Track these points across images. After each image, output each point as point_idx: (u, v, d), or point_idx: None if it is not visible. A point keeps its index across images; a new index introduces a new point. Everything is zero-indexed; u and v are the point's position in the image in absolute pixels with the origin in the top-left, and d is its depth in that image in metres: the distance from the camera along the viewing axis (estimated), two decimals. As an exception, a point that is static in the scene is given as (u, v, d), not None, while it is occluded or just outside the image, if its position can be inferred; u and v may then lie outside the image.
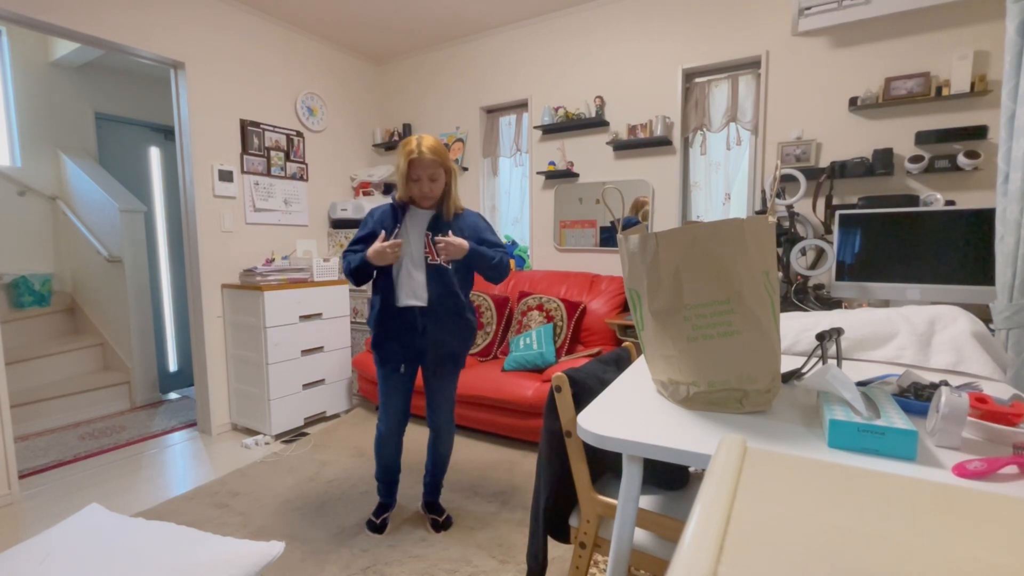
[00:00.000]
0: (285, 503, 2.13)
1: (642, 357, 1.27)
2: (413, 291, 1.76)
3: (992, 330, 1.65)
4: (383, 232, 1.72)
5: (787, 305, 2.18)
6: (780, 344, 0.95)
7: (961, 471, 0.68)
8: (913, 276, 2.04)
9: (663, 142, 2.87)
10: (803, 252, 2.25)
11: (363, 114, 3.91)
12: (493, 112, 3.59)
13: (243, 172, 3.07)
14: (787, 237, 2.30)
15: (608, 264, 3.14)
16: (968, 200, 2.19)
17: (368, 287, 3.44)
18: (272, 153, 3.22)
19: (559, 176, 3.22)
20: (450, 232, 1.73)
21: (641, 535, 1.12)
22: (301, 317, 2.94)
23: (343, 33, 3.45)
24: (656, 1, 2.86)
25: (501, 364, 2.80)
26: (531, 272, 3.26)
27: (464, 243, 1.69)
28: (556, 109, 3.16)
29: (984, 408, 0.79)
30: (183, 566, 0.99)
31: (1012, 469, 0.68)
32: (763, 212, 2.56)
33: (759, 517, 0.44)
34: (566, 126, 3.13)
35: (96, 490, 2.30)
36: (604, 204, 3.10)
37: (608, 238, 3.14)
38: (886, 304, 2.10)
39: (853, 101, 2.36)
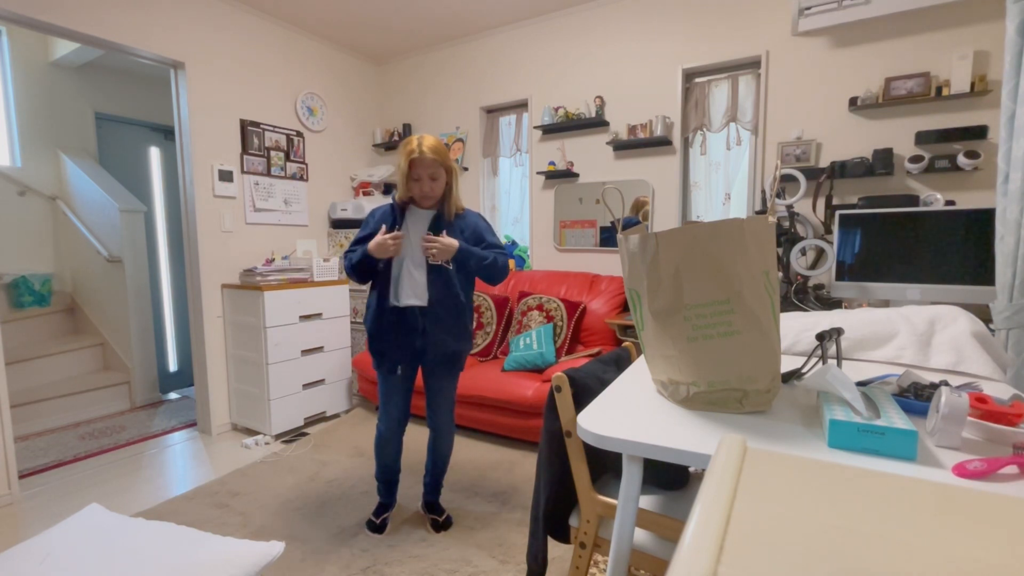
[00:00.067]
0: (285, 503, 2.13)
1: (642, 357, 1.27)
2: (414, 291, 1.76)
3: (992, 330, 1.65)
4: (384, 227, 1.72)
5: (787, 305, 2.18)
6: (780, 344, 0.95)
7: (961, 471, 0.68)
8: (913, 276, 2.04)
9: (663, 142, 2.87)
10: (803, 252, 2.25)
11: (363, 114, 3.91)
12: (493, 112, 3.59)
13: (243, 172, 3.07)
14: (787, 237, 2.30)
15: (608, 264, 3.14)
16: (968, 200, 2.19)
17: (367, 286, 3.44)
18: (272, 153, 3.22)
19: (559, 176, 3.22)
20: (444, 232, 1.73)
21: (641, 535, 1.12)
22: (301, 317, 2.94)
23: (343, 33, 3.45)
24: (656, 1, 2.86)
25: (501, 364, 2.80)
26: (531, 272, 3.26)
27: (453, 242, 1.69)
28: (556, 109, 3.16)
29: (984, 408, 0.79)
30: (183, 566, 0.99)
31: (1012, 469, 0.68)
32: (763, 212, 2.56)
33: (759, 517, 0.44)
34: (566, 126, 3.13)
35: (96, 490, 2.30)
36: (604, 204, 3.10)
37: (608, 238, 3.14)
38: (886, 304, 2.10)
39: (853, 101, 2.36)
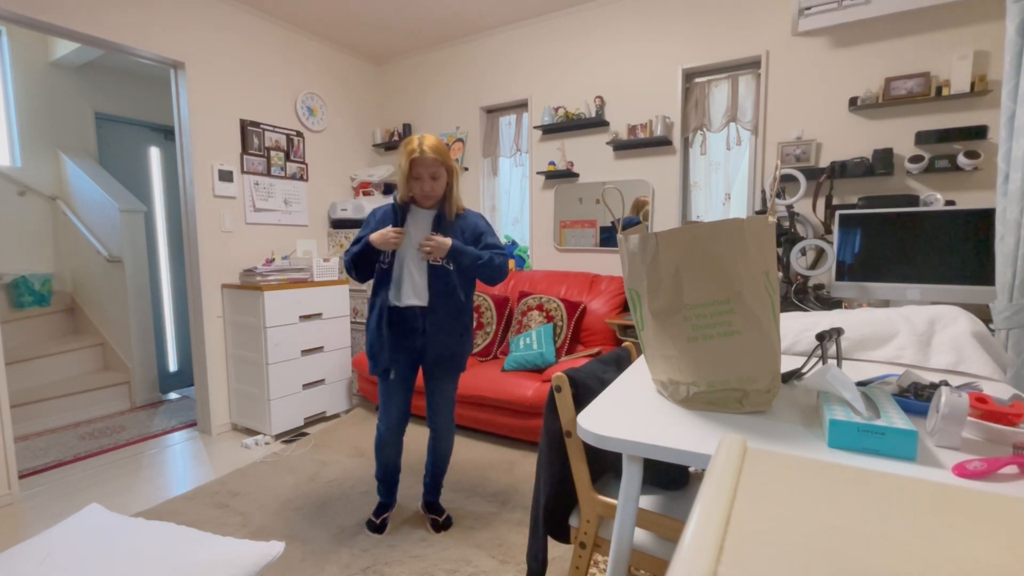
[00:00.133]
0: (285, 503, 2.13)
1: (642, 357, 1.27)
2: (414, 291, 1.76)
3: (992, 330, 1.65)
4: (389, 225, 1.73)
5: (787, 305, 2.18)
6: (780, 344, 0.95)
7: (961, 471, 0.68)
8: (913, 276, 2.04)
9: (663, 142, 2.87)
10: (803, 252, 2.25)
11: (363, 114, 3.91)
12: (493, 112, 3.59)
13: (243, 172, 3.07)
14: (787, 237, 2.30)
15: (608, 264, 3.14)
16: (968, 200, 2.19)
17: (368, 287, 3.45)
18: (272, 153, 3.22)
19: (559, 176, 3.22)
20: (443, 232, 1.73)
21: (641, 535, 1.12)
22: (301, 317, 2.94)
23: (343, 33, 3.45)
24: (656, 1, 2.86)
25: (501, 364, 2.80)
26: (531, 272, 3.26)
27: (446, 240, 1.69)
28: (556, 109, 3.16)
29: (984, 408, 0.79)
30: (183, 566, 0.99)
31: (1012, 469, 0.68)
32: (763, 212, 2.56)
33: (759, 517, 0.44)
34: (566, 126, 3.13)
35: (96, 490, 2.30)
36: (604, 204, 3.10)
37: (608, 238, 3.14)
38: (886, 304, 2.10)
39: (853, 101, 2.36)
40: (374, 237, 1.70)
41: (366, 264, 1.78)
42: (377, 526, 1.91)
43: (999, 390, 0.99)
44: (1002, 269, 1.64)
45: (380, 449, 1.90)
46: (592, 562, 1.43)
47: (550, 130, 3.22)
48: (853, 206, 2.28)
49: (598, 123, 3.04)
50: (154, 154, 3.92)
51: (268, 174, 3.20)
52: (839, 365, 1.11)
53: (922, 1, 2.11)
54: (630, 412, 0.94)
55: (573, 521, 1.21)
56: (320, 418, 3.14)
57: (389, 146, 3.93)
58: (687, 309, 0.89)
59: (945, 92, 2.16)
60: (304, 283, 2.99)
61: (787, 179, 2.38)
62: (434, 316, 1.76)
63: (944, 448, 0.76)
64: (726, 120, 2.76)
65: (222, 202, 2.97)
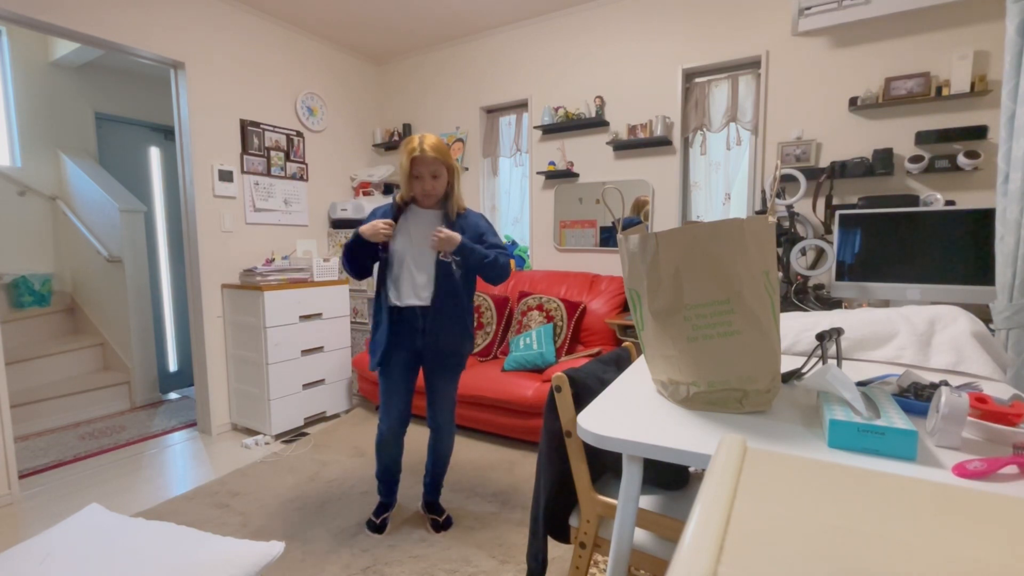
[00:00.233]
0: (285, 503, 2.13)
1: (642, 357, 1.27)
2: (414, 291, 1.76)
3: (992, 330, 1.65)
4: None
5: (787, 305, 2.18)
6: (780, 344, 0.95)
7: (961, 471, 0.68)
8: (913, 276, 2.04)
9: (663, 142, 2.87)
10: (803, 252, 2.25)
11: (363, 114, 3.91)
12: (493, 112, 3.59)
13: (243, 172, 3.07)
14: (787, 237, 2.30)
15: (608, 264, 3.14)
16: (968, 200, 2.19)
17: (368, 286, 3.45)
18: (272, 153, 3.22)
19: (559, 176, 3.22)
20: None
21: (641, 535, 1.12)
22: (301, 317, 2.94)
23: (343, 33, 3.45)
24: (656, 1, 2.86)
25: (501, 364, 2.80)
26: (531, 272, 3.26)
27: (456, 235, 1.69)
28: (556, 109, 3.16)
29: (984, 408, 0.79)
30: (183, 566, 0.99)
31: (1012, 469, 0.68)
32: (763, 212, 2.56)
33: (759, 517, 0.44)
34: (566, 126, 3.13)
35: (96, 490, 2.30)
36: (604, 204, 3.10)
37: (608, 238, 3.14)
38: (886, 304, 2.10)
39: (853, 101, 2.36)
40: (364, 228, 1.71)
41: (358, 258, 1.78)
42: (377, 526, 1.91)
43: (999, 390, 0.99)
44: (1002, 269, 1.64)
45: (381, 449, 1.90)
46: (592, 562, 1.43)
47: (550, 130, 3.22)
48: (853, 206, 2.28)
49: (598, 123, 3.04)
50: (154, 154, 3.92)
51: (268, 174, 3.20)
52: (839, 365, 1.11)
53: (922, 1, 2.11)
54: (630, 412, 0.94)
55: (573, 521, 1.21)
56: (320, 418, 3.14)
57: (389, 146, 3.93)
58: (687, 309, 0.89)
59: (945, 92, 2.16)
60: (304, 283, 2.99)
61: (787, 179, 2.38)
62: (437, 316, 1.76)
63: (944, 448, 0.76)
64: (726, 120, 2.76)
65: (222, 202, 2.97)
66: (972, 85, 2.11)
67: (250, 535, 1.89)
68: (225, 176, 2.96)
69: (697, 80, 2.84)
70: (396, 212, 1.78)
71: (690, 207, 2.98)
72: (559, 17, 3.17)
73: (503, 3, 3.06)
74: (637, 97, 2.96)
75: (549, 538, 1.22)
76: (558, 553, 1.73)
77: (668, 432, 0.84)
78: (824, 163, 2.47)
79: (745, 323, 0.86)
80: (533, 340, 2.73)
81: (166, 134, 3.94)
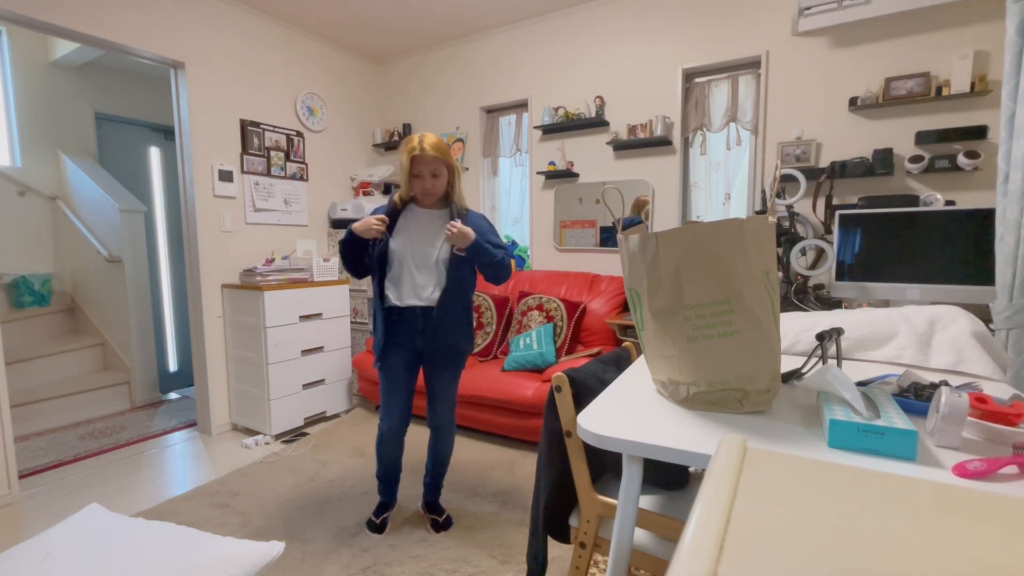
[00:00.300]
0: (285, 503, 2.13)
1: (642, 357, 1.27)
2: (415, 291, 1.76)
3: (992, 330, 1.65)
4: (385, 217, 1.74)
5: (787, 305, 2.18)
6: (780, 344, 0.95)
7: (961, 471, 0.68)
8: (913, 276, 2.04)
9: (663, 142, 2.86)
10: (803, 252, 2.25)
11: (363, 114, 3.91)
12: (493, 112, 3.59)
13: (243, 172, 3.07)
14: (787, 237, 2.30)
15: (608, 264, 3.14)
16: (968, 200, 2.19)
17: (367, 286, 3.45)
18: (272, 153, 3.22)
19: (559, 176, 3.22)
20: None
21: (641, 535, 1.12)
22: (301, 317, 2.94)
23: (343, 33, 3.45)
24: (656, 1, 2.86)
25: (501, 364, 2.80)
26: (531, 272, 3.26)
27: (470, 231, 1.69)
28: (556, 109, 3.16)
29: (984, 408, 0.79)
30: (183, 566, 0.99)
31: (1012, 469, 0.68)
32: (763, 212, 2.56)
33: (759, 517, 0.44)
34: (566, 126, 3.13)
35: (96, 490, 2.30)
36: (604, 204, 3.10)
37: (608, 238, 3.14)
38: (886, 304, 2.10)
39: (853, 101, 2.36)
40: (356, 224, 1.71)
41: (353, 255, 1.78)
42: (377, 526, 1.91)
43: (999, 390, 0.99)
44: (1002, 269, 1.64)
45: (381, 448, 1.90)
46: (592, 562, 1.43)
47: (550, 130, 3.22)
48: (853, 206, 2.28)
49: (598, 123, 3.04)
50: (154, 154, 3.92)
51: (268, 174, 3.20)
52: (839, 365, 1.11)
53: (922, 1, 2.11)
54: (630, 412, 0.94)
55: (573, 521, 1.21)
56: (320, 418, 3.14)
57: (389, 146, 3.93)
58: (687, 309, 0.89)
59: (945, 92, 2.16)
60: (304, 283, 2.99)
61: (787, 179, 2.38)
62: (435, 316, 1.76)
63: (944, 448, 0.76)
64: (726, 120, 2.76)
65: (222, 202, 2.97)
66: (972, 85, 2.11)
67: (250, 535, 1.89)
68: (225, 176, 2.96)
69: (697, 80, 2.84)
70: (392, 210, 1.78)
71: (690, 207, 2.98)
72: (559, 17, 3.17)
73: (503, 3, 3.06)
74: (637, 97, 2.96)
75: (549, 538, 1.22)
76: (558, 553, 1.73)
77: (668, 432, 0.84)
78: (824, 163, 2.47)
79: (745, 323, 0.86)
80: (533, 340, 2.73)
81: (166, 134, 3.94)
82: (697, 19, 2.76)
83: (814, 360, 1.10)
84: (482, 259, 1.73)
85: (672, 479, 1.23)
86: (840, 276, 2.17)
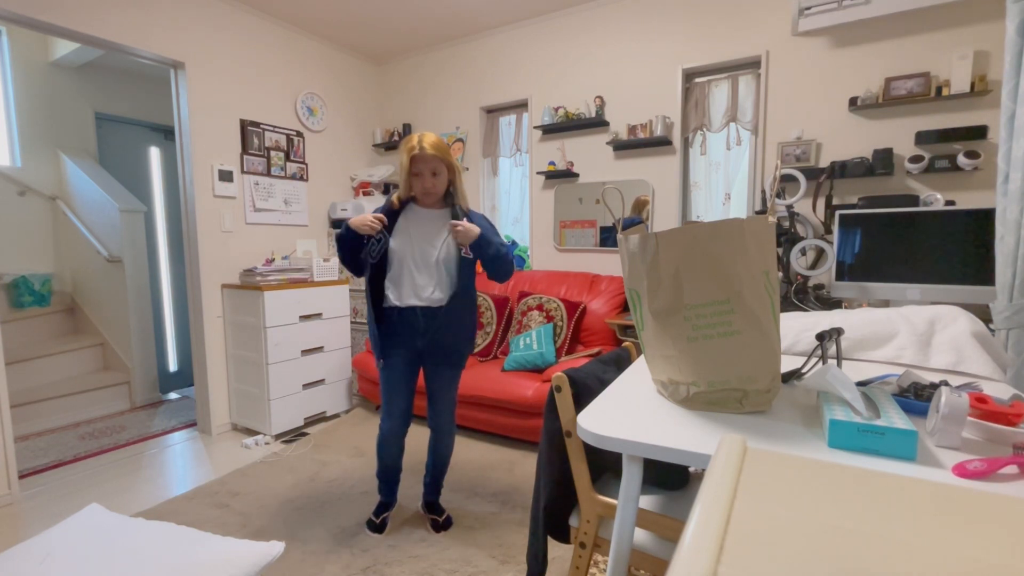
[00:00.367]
0: (285, 503, 2.13)
1: (642, 357, 1.27)
2: (415, 291, 1.76)
3: (992, 330, 1.65)
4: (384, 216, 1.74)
5: (787, 305, 2.18)
6: (780, 344, 0.95)
7: (961, 471, 0.68)
8: (913, 276, 2.04)
9: (663, 142, 2.86)
10: (803, 252, 2.25)
11: (363, 114, 3.91)
12: (493, 112, 3.59)
13: (243, 172, 3.07)
14: (787, 237, 2.30)
15: (608, 264, 3.14)
16: (968, 200, 2.19)
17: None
18: (272, 153, 3.22)
19: (559, 176, 3.22)
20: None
21: (641, 535, 1.12)
22: (301, 317, 2.94)
23: (343, 33, 3.45)
24: (656, 1, 2.86)
25: (501, 364, 2.80)
26: (531, 272, 3.26)
27: (475, 227, 1.69)
28: (556, 109, 3.16)
29: (984, 408, 0.79)
30: (183, 566, 0.99)
31: (1012, 469, 0.68)
32: (763, 212, 2.56)
33: (759, 517, 0.44)
34: (566, 126, 3.13)
35: (96, 490, 2.30)
36: (604, 204, 3.10)
37: (608, 238, 3.14)
38: (886, 304, 2.10)
39: (853, 101, 2.36)
40: (353, 219, 1.70)
41: (350, 251, 1.78)
42: (377, 526, 1.91)
43: (999, 390, 0.99)
44: (1002, 269, 1.64)
45: (382, 448, 1.90)
46: (592, 562, 1.43)
47: (550, 130, 3.21)
48: (853, 206, 2.28)
49: (598, 123, 3.04)
50: (154, 154, 3.91)
51: (268, 174, 3.20)
52: (839, 365, 1.11)
53: (922, 1, 2.11)
54: (630, 412, 0.94)
55: (573, 521, 1.21)
56: (320, 418, 3.14)
57: (389, 146, 3.93)
58: (687, 309, 0.89)
59: (945, 92, 2.16)
60: (304, 283, 2.99)
61: (787, 179, 2.38)
62: (435, 316, 1.76)
63: (944, 448, 0.76)
64: (726, 120, 2.76)
65: (222, 202, 2.97)
66: (972, 85, 2.11)
67: (250, 535, 1.89)
68: (225, 176, 2.96)
69: (697, 80, 2.84)
70: (389, 210, 1.78)
71: (690, 207, 2.98)
72: (559, 17, 3.17)
73: (503, 3, 3.06)
74: (637, 97, 2.96)
75: (549, 538, 1.22)
76: (558, 553, 1.73)
77: (668, 432, 0.84)
78: (824, 163, 2.47)
79: (745, 323, 0.86)
80: (533, 340, 2.73)
81: (166, 134, 3.94)
82: (697, 19, 2.75)
83: (814, 360, 1.10)
84: (487, 252, 1.73)
85: (672, 479, 1.23)
86: (840, 276, 2.17)
